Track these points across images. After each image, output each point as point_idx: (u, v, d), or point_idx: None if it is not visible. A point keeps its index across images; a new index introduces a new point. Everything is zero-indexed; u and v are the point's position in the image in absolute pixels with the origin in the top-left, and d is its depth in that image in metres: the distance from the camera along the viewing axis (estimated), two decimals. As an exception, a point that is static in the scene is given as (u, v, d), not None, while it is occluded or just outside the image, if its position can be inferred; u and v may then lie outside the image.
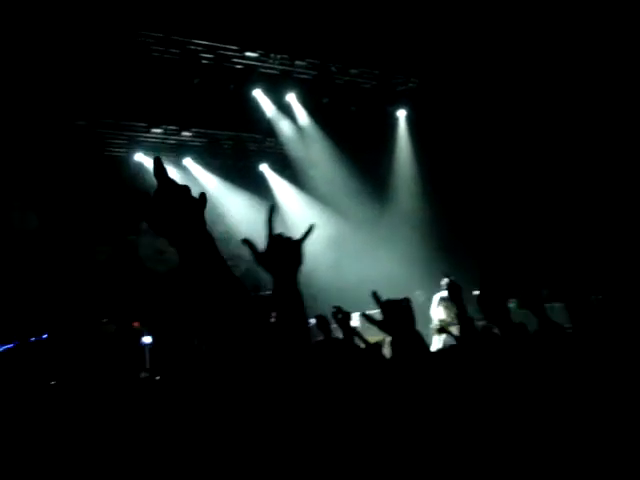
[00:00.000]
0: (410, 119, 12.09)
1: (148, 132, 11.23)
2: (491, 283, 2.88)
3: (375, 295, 2.25)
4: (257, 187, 12.95)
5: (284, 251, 1.70)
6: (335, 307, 3.82)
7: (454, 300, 3.09)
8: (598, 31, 8.25)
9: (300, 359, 1.56)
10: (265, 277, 1.78)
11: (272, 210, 1.74)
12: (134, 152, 11.50)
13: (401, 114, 12.08)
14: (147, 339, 7.26)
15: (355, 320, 10.36)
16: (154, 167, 1.41)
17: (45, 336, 7.41)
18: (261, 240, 1.73)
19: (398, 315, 2.11)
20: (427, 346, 2.20)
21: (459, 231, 10.84)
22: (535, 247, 9.78)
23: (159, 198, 1.40)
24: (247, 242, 1.72)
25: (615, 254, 8.19)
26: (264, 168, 13.08)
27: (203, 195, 1.46)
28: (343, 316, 3.71)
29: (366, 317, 2.36)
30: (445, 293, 8.47)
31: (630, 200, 8.63)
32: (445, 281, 8.51)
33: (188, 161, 12.11)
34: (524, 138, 9.86)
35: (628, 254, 7.85)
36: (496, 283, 2.88)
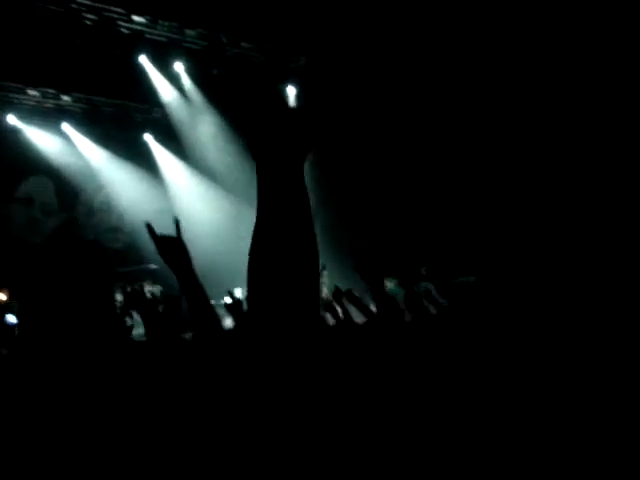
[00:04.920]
0: (299, 97, 12.10)
1: (23, 93, 10.52)
2: (369, 255, 2.96)
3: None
4: (140, 157, 12.53)
5: (173, 253, 1.88)
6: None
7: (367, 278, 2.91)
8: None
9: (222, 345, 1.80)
10: (148, 248, 1.87)
11: (177, 223, 1.96)
12: (6, 114, 10.76)
13: (291, 91, 12.07)
14: (12, 318, 6.77)
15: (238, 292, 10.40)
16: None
17: None
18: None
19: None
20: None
21: (345, 214, 11.05)
22: (414, 228, 10.18)
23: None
24: (149, 227, 1.83)
25: (488, 238, 8.67)
26: (148, 138, 12.68)
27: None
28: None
29: None
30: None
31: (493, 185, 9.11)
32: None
33: (67, 127, 11.50)
34: (410, 125, 10.15)
35: (501, 239, 8.33)
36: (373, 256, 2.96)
